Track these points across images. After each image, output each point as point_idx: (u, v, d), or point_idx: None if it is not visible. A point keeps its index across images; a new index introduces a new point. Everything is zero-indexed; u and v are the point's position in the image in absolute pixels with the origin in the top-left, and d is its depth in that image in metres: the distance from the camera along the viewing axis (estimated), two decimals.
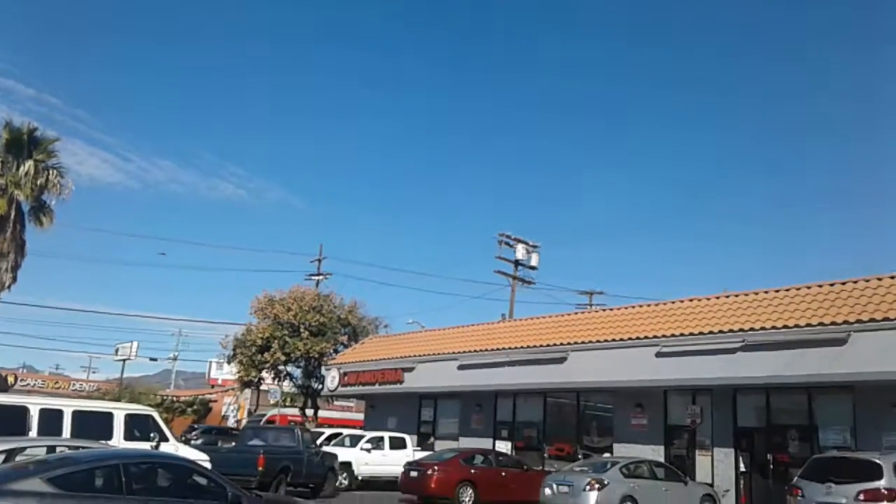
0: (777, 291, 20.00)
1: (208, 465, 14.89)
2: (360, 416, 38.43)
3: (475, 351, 26.21)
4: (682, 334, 19.90)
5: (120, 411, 15.82)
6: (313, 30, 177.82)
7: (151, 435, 15.55)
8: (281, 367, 37.73)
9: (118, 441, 14.85)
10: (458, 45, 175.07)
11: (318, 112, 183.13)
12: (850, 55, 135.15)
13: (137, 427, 15.62)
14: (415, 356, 28.81)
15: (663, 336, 20.29)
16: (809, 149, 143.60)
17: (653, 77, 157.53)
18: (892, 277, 17.62)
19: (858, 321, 16.36)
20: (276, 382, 39.32)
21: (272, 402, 38.03)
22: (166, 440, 15.73)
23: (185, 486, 8.49)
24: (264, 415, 41.39)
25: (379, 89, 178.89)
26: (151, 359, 68.02)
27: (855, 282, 18.28)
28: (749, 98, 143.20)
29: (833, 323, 16.80)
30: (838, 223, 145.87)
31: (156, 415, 16.69)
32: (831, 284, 18.77)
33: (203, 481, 8.61)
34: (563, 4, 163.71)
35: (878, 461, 12.23)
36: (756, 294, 20.47)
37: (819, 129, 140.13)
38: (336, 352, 36.64)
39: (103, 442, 13.39)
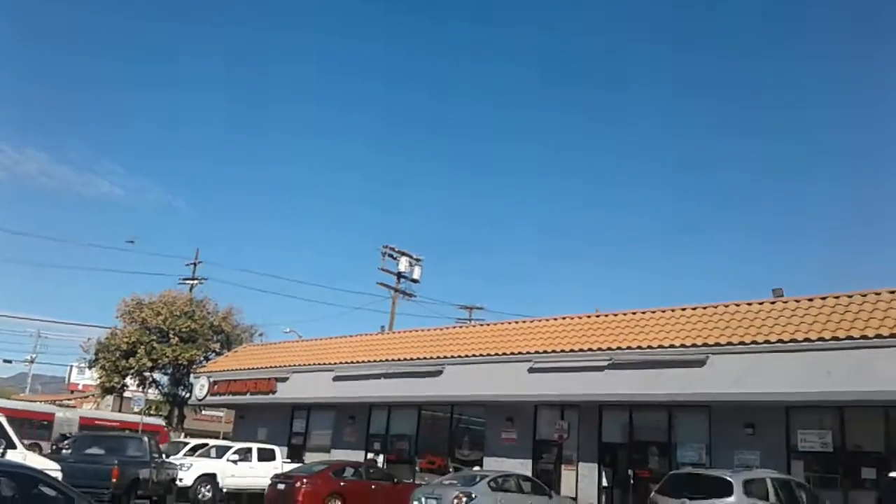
0: (644, 313, 20.85)
1: (59, 476, 14.04)
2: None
3: (351, 362, 25.93)
4: (553, 351, 20.38)
5: None
6: (207, 16, 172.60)
7: None
8: (147, 374, 36.21)
9: None
10: (350, 50, 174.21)
11: (209, 117, 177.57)
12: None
13: None
14: (289, 366, 28.21)
15: (536, 352, 20.71)
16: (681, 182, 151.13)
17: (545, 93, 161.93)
18: (749, 304, 18.70)
19: (717, 344, 17.21)
20: (140, 389, 37.62)
21: (135, 409, 36.39)
22: (14, 447, 14.64)
23: (29, 498, 7.87)
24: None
25: (268, 95, 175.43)
26: (5, 360, 63.48)
27: (715, 306, 19.32)
28: (628, 103, 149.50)
29: (693, 345, 17.62)
30: (718, 250, 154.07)
31: (3, 420, 15.53)
32: (693, 308, 19.77)
33: (51, 492, 8.01)
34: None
35: (728, 478, 12.84)
36: (624, 315, 21.28)
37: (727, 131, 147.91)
38: (207, 359, 35.51)
39: None
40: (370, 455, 25.40)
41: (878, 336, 14.97)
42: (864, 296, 16.73)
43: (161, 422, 38.78)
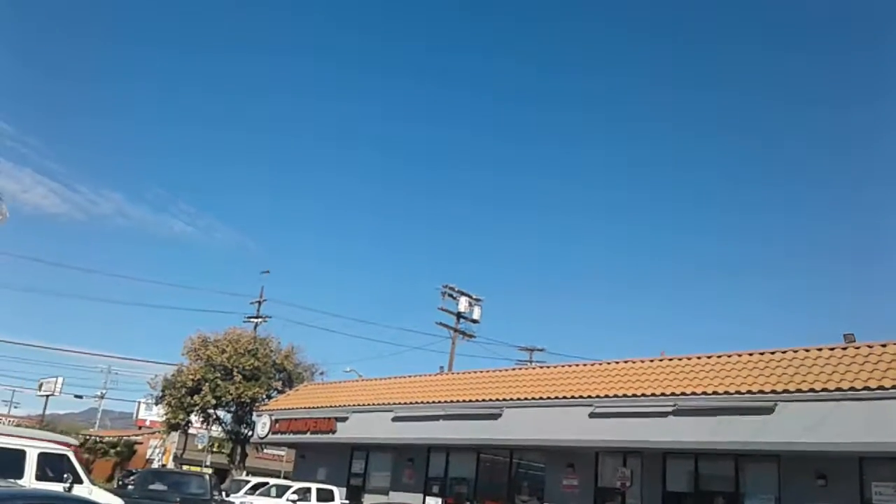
0: (709, 357, 20.30)
1: None
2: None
3: (410, 403, 25.89)
4: (615, 395, 19.98)
5: (33, 449, 15.07)
6: (275, 81, 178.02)
7: (65, 476, 14.85)
8: (210, 411, 36.73)
9: (29, 480, 14.11)
10: (417, 95, 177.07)
11: (278, 160, 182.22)
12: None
13: (51, 466, 14.89)
14: (349, 405, 28.32)
15: (597, 396, 20.34)
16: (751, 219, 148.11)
17: (613, 137, 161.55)
18: (819, 349, 18.07)
19: (785, 391, 16.65)
20: (204, 426, 38.19)
21: (199, 446, 36.94)
22: (80, 482, 15.02)
23: None
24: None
25: (335, 142, 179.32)
26: (76, 396, 65.46)
27: (784, 351, 18.69)
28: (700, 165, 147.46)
29: (761, 391, 17.08)
30: (777, 292, 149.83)
31: (71, 454, 15.96)
32: (761, 353, 19.16)
33: None
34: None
35: None
36: (689, 359, 20.76)
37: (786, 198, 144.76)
38: (269, 397, 35.87)
39: (12, 481, 12.71)
40: (429, 499, 25.17)
41: None
42: None
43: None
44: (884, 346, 16.97)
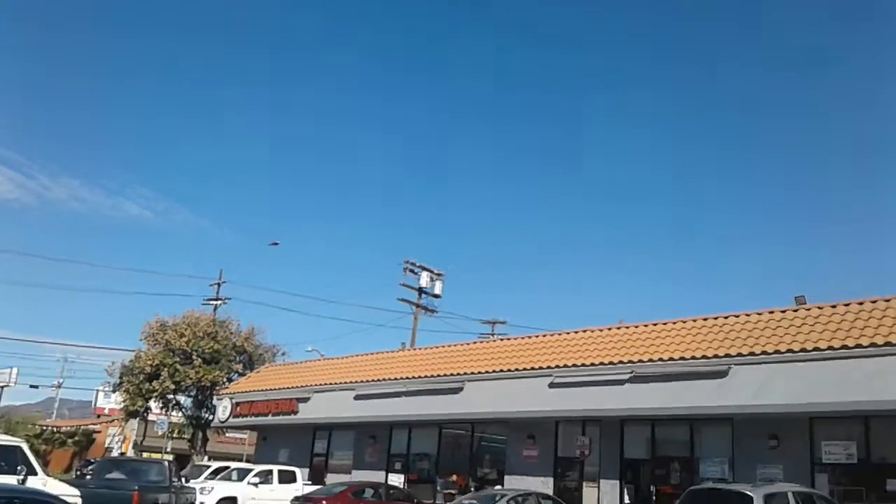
0: (665, 324, 20.51)
1: (78, 501, 14.02)
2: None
3: (372, 381, 25.79)
4: (574, 365, 20.08)
5: None
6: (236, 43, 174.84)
7: (18, 468, 14.49)
8: (170, 397, 36.26)
9: None
10: (368, 74, 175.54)
11: (231, 138, 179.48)
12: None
13: (4, 459, 14.52)
14: (310, 385, 28.14)
15: (557, 366, 20.42)
16: (708, 186, 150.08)
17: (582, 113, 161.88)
18: (771, 312, 18.34)
19: (739, 354, 16.86)
20: (164, 412, 37.71)
21: (159, 433, 36.47)
22: (35, 474, 14.66)
23: None
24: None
25: (291, 117, 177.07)
26: (32, 386, 64.00)
27: (737, 315, 18.96)
28: (655, 136, 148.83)
29: (715, 356, 17.26)
30: (735, 257, 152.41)
31: (24, 446, 15.57)
32: (714, 318, 19.41)
33: None
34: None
35: (749, 493, 12.45)
36: (646, 326, 20.94)
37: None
38: (230, 380, 35.50)
39: None
40: (391, 476, 25.17)
41: None
42: (888, 301, 16.33)
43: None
44: (833, 307, 17.27)
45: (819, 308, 17.55)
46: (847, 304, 17.04)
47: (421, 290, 41.36)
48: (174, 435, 39.17)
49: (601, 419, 19.91)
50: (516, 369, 21.50)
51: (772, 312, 18.35)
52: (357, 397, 25.84)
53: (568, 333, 23.21)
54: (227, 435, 44.73)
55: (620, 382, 18.83)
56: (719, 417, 17.53)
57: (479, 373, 22.46)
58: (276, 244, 50.35)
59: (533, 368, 21.03)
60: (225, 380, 35.64)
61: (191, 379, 34.76)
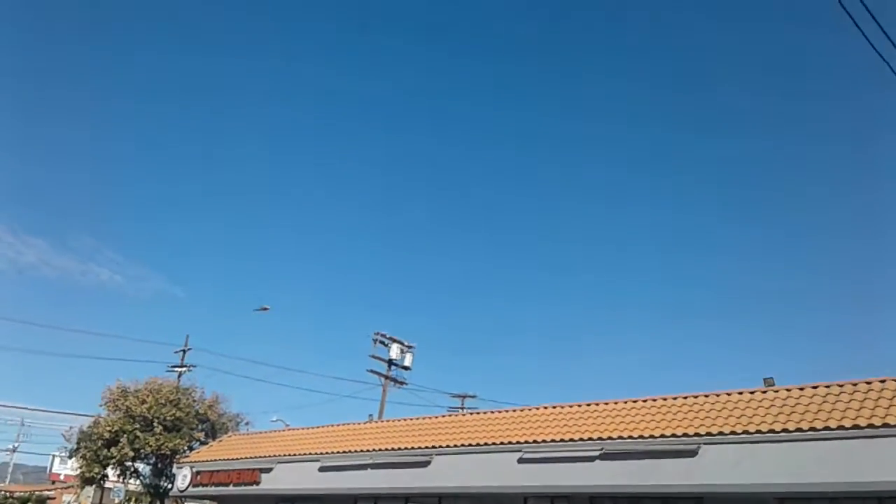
0: (636, 402, 20.57)
1: None
2: None
3: (338, 452, 25.34)
4: (544, 441, 19.97)
5: None
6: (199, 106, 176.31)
7: None
8: (128, 464, 35.27)
9: None
10: (339, 135, 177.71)
11: (208, 210, 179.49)
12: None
13: None
14: (274, 456, 27.55)
15: (526, 442, 20.29)
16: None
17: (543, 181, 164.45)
18: (740, 393, 18.52)
19: (708, 433, 16.91)
20: (121, 480, 36.62)
21: (115, 501, 35.37)
22: None
23: None
24: None
25: (266, 193, 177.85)
26: None
27: (707, 395, 19.09)
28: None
29: (685, 434, 17.30)
30: (710, 338, 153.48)
31: None
32: (685, 397, 19.52)
33: None
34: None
35: None
36: (616, 403, 20.98)
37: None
38: (191, 449, 34.70)
39: None
40: None
41: (871, 426, 14.74)
42: (855, 385, 16.59)
43: None
44: (801, 389, 17.49)
45: (787, 390, 17.75)
46: (815, 387, 17.27)
47: (391, 362, 41.16)
48: (131, 503, 37.90)
49: (570, 496, 19.69)
50: (485, 444, 21.30)
51: (741, 393, 18.51)
52: (322, 468, 25.33)
53: (538, 409, 23.14)
54: None
55: (590, 459, 18.72)
56: (689, 496, 17.43)
57: (448, 446, 22.20)
58: (265, 309, 49.03)
59: (502, 443, 20.86)
60: (186, 448, 34.83)
61: (151, 446, 33.94)
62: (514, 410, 24.22)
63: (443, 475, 21.78)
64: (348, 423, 29.35)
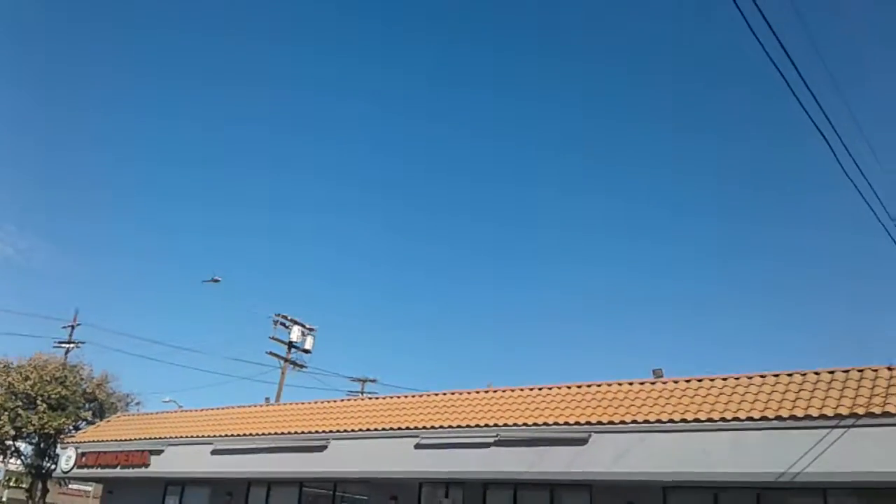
0: (531, 389, 20.97)
1: None
2: None
3: (232, 435, 24.83)
4: (441, 427, 20.11)
5: None
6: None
7: None
8: (9, 443, 33.64)
9: None
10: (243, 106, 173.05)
11: (107, 183, 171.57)
12: None
13: None
14: (164, 437, 26.78)
15: (423, 427, 20.38)
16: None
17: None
18: (630, 383, 19.13)
19: (598, 422, 17.40)
20: (1, 460, 34.90)
21: None
22: None
23: None
24: None
25: (168, 165, 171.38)
26: None
27: (598, 384, 19.66)
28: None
29: (577, 423, 17.75)
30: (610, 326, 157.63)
31: None
32: (578, 386, 20.05)
33: None
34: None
35: None
36: (513, 391, 21.33)
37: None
38: (77, 429, 33.39)
39: None
40: None
41: (750, 418, 15.48)
42: (738, 379, 17.40)
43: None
44: (688, 381, 18.21)
45: (675, 382, 18.45)
46: (700, 380, 18.02)
47: (291, 345, 40.58)
48: (11, 484, 36.29)
49: (465, 482, 19.94)
50: (382, 429, 21.29)
51: (631, 383, 19.13)
52: (214, 452, 24.77)
53: (436, 394, 23.29)
54: (70, 487, 41.63)
55: (486, 445, 18.97)
56: (579, 483, 17.94)
57: (344, 431, 22.07)
58: (216, 280, 45.28)
59: (399, 428, 20.89)
60: (71, 428, 33.51)
61: (33, 425, 32.45)
62: (412, 396, 24.31)
63: (339, 460, 21.65)
64: (244, 406, 28.81)
